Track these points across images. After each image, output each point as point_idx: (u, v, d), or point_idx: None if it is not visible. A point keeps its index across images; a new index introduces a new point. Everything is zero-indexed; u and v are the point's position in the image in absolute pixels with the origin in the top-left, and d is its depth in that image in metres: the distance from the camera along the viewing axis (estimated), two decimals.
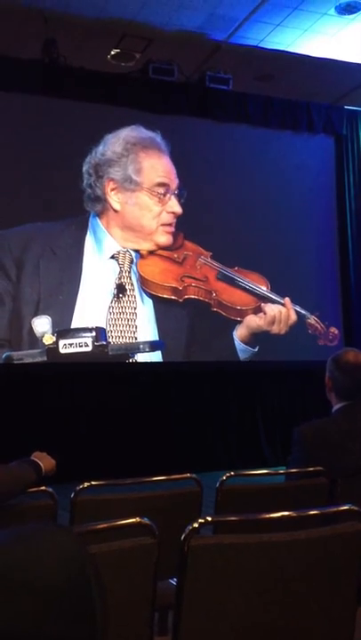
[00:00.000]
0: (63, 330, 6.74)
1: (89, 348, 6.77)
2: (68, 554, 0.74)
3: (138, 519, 1.73)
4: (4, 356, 6.58)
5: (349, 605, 1.76)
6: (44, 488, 2.25)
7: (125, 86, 7.29)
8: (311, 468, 2.62)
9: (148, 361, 7.12)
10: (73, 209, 6.99)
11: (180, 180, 7.22)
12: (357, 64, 7.65)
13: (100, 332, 6.83)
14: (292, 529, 1.70)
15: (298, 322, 7.61)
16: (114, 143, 7.01)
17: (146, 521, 1.72)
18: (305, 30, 6.99)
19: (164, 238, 7.12)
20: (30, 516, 2.17)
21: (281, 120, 7.96)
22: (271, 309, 7.43)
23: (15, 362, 6.60)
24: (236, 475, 2.71)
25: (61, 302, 6.81)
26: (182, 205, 7.19)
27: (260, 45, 7.27)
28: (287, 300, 7.51)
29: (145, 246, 7.08)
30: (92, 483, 2.44)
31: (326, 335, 7.74)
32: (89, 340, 6.77)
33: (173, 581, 1.81)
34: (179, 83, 7.47)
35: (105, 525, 1.73)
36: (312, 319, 7.67)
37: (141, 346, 7.02)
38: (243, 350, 7.43)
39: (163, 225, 7.09)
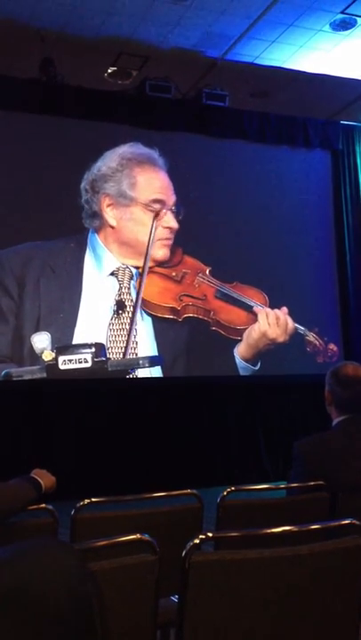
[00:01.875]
0: (62, 346, 6.73)
1: (88, 364, 6.76)
2: (68, 570, 0.74)
3: (138, 536, 1.72)
4: (3, 372, 6.56)
5: (352, 620, 1.75)
6: (44, 505, 2.24)
7: (123, 104, 7.34)
8: (312, 483, 2.62)
9: (148, 376, 7.11)
10: (72, 227, 7.01)
11: (177, 197, 7.25)
12: (353, 79, 7.72)
13: (100, 348, 6.83)
14: (293, 544, 1.69)
15: (297, 337, 7.61)
16: (110, 159, 7.06)
17: (146, 537, 1.71)
18: (300, 47, 7.06)
19: (161, 253, 7.14)
20: (30, 533, 2.16)
21: (277, 136, 8.00)
22: (263, 312, 7.41)
23: (15, 378, 6.59)
24: (237, 490, 2.70)
25: (62, 320, 6.81)
26: (181, 221, 7.21)
27: (255, 62, 7.33)
28: (284, 308, 7.52)
29: (142, 262, 7.09)
30: (92, 500, 2.43)
31: (325, 352, 7.73)
32: (88, 356, 6.77)
33: (175, 599, 1.80)
34: (175, 100, 7.51)
35: (105, 542, 1.72)
36: (311, 336, 7.66)
37: (141, 361, 7.02)
38: (244, 368, 7.41)
39: (159, 240, 7.10)
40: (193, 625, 1.59)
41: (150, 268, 7.12)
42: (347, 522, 1.84)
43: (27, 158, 6.93)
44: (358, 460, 2.69)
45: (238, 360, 7.39)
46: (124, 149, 7.10)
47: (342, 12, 6.45)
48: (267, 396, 7.66)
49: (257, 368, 7.46)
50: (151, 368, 7.06)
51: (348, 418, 2.82)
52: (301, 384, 7.43)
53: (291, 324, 7.49)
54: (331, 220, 8.35)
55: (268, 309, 7.44)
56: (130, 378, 7.02)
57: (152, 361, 7.05)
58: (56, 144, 7.02)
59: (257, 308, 7.41)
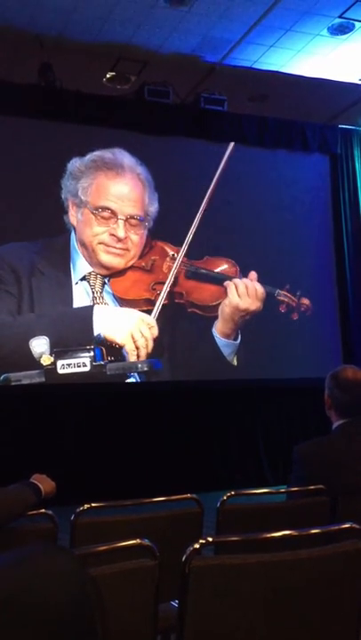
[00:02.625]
0: (61, 350, 6.71)
1: (87, 368, 6.75)
2: (68, 576, 0.74)
3: (138, 541, 1.72)
4: (2, 377, 6.56)
5: (352, 624, 1.74)
6: (43, 511, 2.23)
7: (121, 109, 7.35)
8: (312, 487, 2.61)
9: (147, 380, 7.10)
10: (63, 228, 7.03)
11: (152, 208, 7.20)
12: (351, 83, 7.74)
13: (99, 352, 6.82)
14: (293, 548, 1.69)
15: (270, 302, 7.55)
16: (83, 159, 7.05)
17: (146, 542, 1.71)
18: (298, 51, 7.07)
19: (106, 258, 7.01)
20: (30, 539, 2.16)
21: (276, 140, 8.01)
22: (231, 285, 7.31)
23: (13, 383, 6.58)
24: (237, 494, 2.69)
25: (55, 321, 6.79)
26: (157, 230, 7.21)
27: (253, 66, 7.35)
28: (252, 273, 7.42)
29: (97, 269, 7.04)
30: (92, 505, 2.42)
31: (299, 308, 7.69)
32: (87, 360, 6.75)
33: (175, 604, 1.80)
34: (174, 104, 7.53)
35: (105, 547, 1.71)
36: (282, 295, 7.59)
37: (139, 365, 7.01)
38: (225, 345, 7.35)
39: (101, 243, 6.99)
40: (193, 630, 1.59)
41: (103, 275, 7.07)
42: (347, 526, 1.84)
43: (25, 162, 6.94)
44: (358, 464, 2.69)
45: (218, 339, 7.34)
46: (99, 153, 7.09)
47: (340, 17, 6.47)
48: (266, 399, 7.66)
49: (238, 342, 7.40)
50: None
51: (348, 421, 2.82)
52: (301, 387, 7.43)
53: (260, 289, 7.39)
54: (330, 224, 8.36)
55: (237, 280, 7.36)
56: (128, 382, 7.02)
57: (151, 365, 7.04)
58: (54, 149, 7.03)
59: (226, 282, 7.35)
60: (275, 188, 8.00)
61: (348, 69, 7.45)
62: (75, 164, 7.02)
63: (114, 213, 7.00)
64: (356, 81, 7.71)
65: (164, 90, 7.38)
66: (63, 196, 7.02)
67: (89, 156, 7.06)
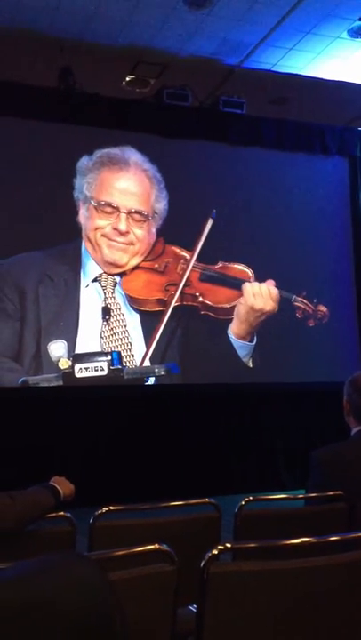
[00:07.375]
0: (79, 354, 6.75)
1: (104, 372, 6.77)
2: (90, 585, 0.74)
3: (157, 545, 1.72)
4: (20, 380, 6.60)
5: None
6: (62, 513, 2.24)
7: (140, 112, 7.37)
8: (331, 493, 2.60)
9: (164, 384, 7.10)
10: (74, 234, 7.03)
11: (159, 206, 7.19)
12: None
13: (116, 357, 6.84)
14: (312, 555, 1.69)
15: (286, 306, 7.55)
16: (90, 157, 7.07)
17: (165, 547, 1.71)
18: (318, 54, 7.05)
19: (109, 252, 7.01)
20: (49, 541, 2.17)
21: (295, 143, 7.98)
22: (247, 285, 7.35)
23: (31, 386, 6.62)
24: (255, 499, 2.69)
25: (63, 328, 6.80)
26: (171, 234, 7.21)
27: (273, 69, 7.33)
28: (270, 280, 7.44)
29: (104, 266, 7.03)
30: (111, 508, 2.43)
31: (315, 315, 7.67)
32: (104, 364, 6.78)
33: (193, 608, 1.80)
34: (193, 107, 7.53)
35: (124, 552, 1.72)
36: (299, 301, 7.59)
37: (157, 369, 7.02)
38: (240, 347, 7.34)
39: (103, 236, 6.99)
40: (211, 635, 1.59)
41: (112, 274, 7.05)
42: None
43: (43, 166, 6.96)
44: None
45: (233, 340, 7.33)
46: (107, 150, 7.10)
47: (360, 19, 6.44)
48: (285, 404, 7.63)
49: (254, 344, 7.40)
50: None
51: None
52: (320, 391, 7.39)
53: (274, 290, 7.42)
54: (348, 227, 8.31)
55: (253, 282, 7.40)
56: (146, 385, 7.02)
57: (168, 369, 7.04)
58: (74, 152, 7.05)
59: (243, 285, 7.37)
60: (293, 191, 7.97)
61: None
62: (83, 162, 7.06)
63: (116, 208, 7.03)
64: None
65: (182, 93, 7.38)
66: (75, 197, 7.05)
67: (96, 153, 7.09)
